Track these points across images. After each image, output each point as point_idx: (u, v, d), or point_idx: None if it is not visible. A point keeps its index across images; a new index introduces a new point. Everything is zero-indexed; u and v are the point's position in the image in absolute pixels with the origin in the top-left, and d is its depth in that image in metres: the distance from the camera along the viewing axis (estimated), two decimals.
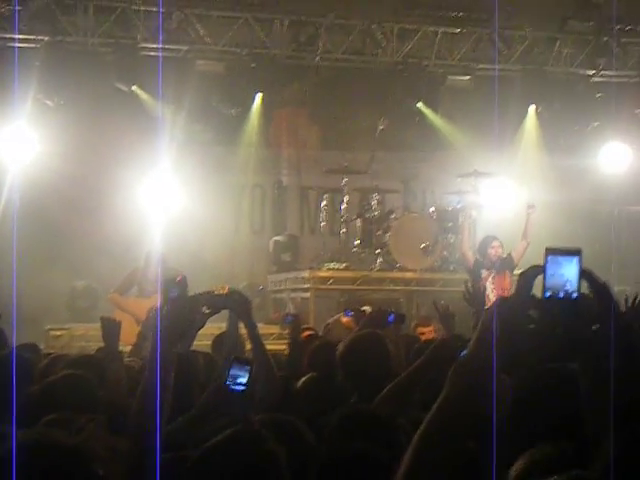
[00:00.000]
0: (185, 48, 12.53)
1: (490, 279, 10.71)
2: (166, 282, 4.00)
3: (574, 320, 2.18)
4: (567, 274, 2.19)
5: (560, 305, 2.17)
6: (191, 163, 12.42)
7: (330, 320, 8.64)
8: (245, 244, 13.39)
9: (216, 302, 3.76)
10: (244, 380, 3.26)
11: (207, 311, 3.58)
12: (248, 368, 3.28)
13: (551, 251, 2.22)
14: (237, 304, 4.10)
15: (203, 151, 12.91)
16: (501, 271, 10.62)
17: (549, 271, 2.19)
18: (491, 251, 10.77)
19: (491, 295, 10.34)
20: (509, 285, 10.39)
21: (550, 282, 2.19)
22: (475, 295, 8.65)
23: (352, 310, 7.66)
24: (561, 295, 2.17)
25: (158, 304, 4.42)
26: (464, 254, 11.38)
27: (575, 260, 2.20)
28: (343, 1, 12.79)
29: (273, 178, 13.83)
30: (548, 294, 2.18)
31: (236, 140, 13.13)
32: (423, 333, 8.18)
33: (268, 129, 13.42)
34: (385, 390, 4.06)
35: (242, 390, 3.25)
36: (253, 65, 12.67)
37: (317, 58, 12.92)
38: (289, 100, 13.46)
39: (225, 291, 8.52)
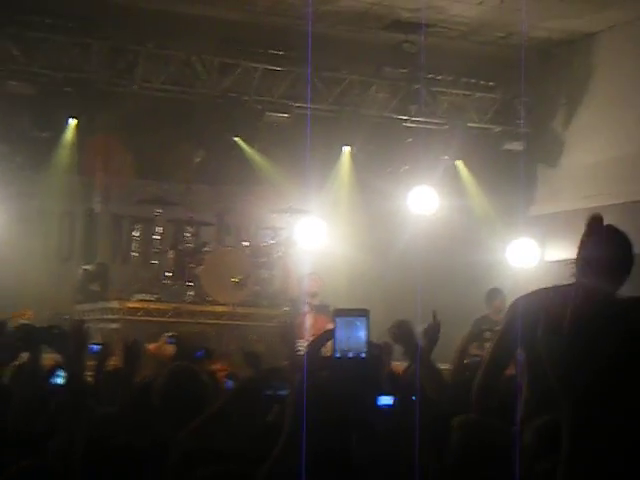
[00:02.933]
0: None
1: (309, 315, 10.85)
2: None
3: (362, 379, 2.24)
4: (356, 334, 2.24)
5: (348, 365, 2.22)
6: None
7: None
8: (52, 272, 12.91)
9: (34, 336, 3.63)
10: None
11: (20, 344, 3.46)
12: None
13: (339, 312, 2.27)
14: (56, 339, 3.95)
15: (10, 175, 12.40)
16: (319, 312, 10.74)
17: (338, 332, 2.24)
18: (311, 283, 10.95)
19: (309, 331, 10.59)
20: (322, 329, 10.43)
21: (340, 343, 2.24)
22: (286, 334, 8.76)
23: (174, 337, 7.65)
24: (350, 355, 2.22)
25: None
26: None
27: (363, 321, 2.26)
28: (164, 31, 12.69)
29: (84, 205, 13.43)
30: (338, 354, 2.22)
31: (46, 165, 12.69)
32: (220, 370, 8.22)
33: (81, 155, 13.05)
34: (193, 424, 4.04)
35: None
36: (68, 89, 12.35)
37: (135, 86, 12.73)
38: (104, 127, 13.15)
39: (27, 316, 8.19)
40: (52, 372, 3.60)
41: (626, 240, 4.30)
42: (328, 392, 2.17)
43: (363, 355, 2.24)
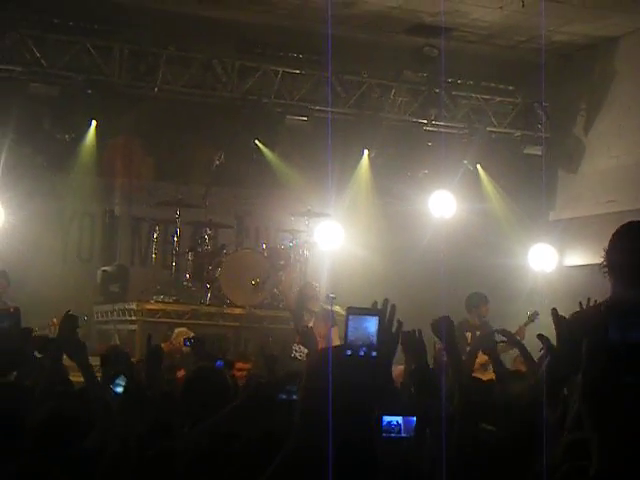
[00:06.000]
0: (19, 69, 12.15)
1: (311, 323, 10.78)
2: None
3: (371, 378, 2.25)
4: (367, 333, 2.25)
5: (359, 363, 2.23)
6: (18, 187, 11.99)
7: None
8: (72, 273, 12.98)
9: (49, 346, 3.78)
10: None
11: (39, 355, 3.65)
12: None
13: (352, 311, 2.29)
14: (71, 348, 4.13)
15: (32, 176, 12.46)
16: (320, 320, 10.64)
17: (350, 330, 2.26)
18: (310, 292, 10.87)
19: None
20: (324, 335, 10.21)
21: (351, 340, 2.26)
22: (307, 337, 8.76)
23: (189, 340, 7.69)
24: (361, 353, 2.24)
25: None
26: (285, 293, 11.62)
27: (375, 320, 2.28)
28: (185, 34, 12.75)
29: (104, 207, 13.48)
30: (349, 352, 2.24)
31: (67, 166, 12.75)
32: (240, 369, 8.26)
33: (102, 157, 13.12)
34: (203, 424, 4.07)
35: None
36: (89, 91, 12.41)
37: (155, 89, 12.78)
38: (125, 129, 13.23)
39: (55, 326, 8.28)
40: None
41: None
42: (338, 390, 2.18)
43: (374, 354, 2.26)
